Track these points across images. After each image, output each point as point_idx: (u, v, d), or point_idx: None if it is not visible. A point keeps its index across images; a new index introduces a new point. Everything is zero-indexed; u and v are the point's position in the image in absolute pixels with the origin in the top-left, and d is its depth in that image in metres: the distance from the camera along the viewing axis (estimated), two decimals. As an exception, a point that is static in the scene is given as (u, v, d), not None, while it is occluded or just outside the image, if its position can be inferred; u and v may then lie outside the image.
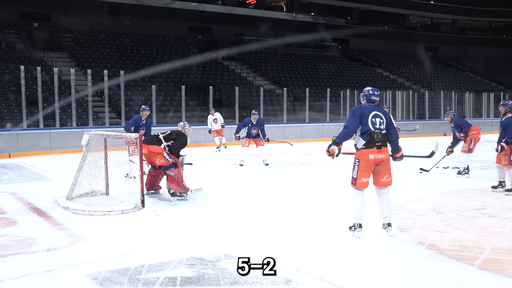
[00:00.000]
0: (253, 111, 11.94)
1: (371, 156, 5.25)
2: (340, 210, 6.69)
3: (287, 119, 21.75)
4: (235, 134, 11.94)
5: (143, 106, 10.48)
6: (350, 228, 5.45)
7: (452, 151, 10.43)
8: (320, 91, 25.76)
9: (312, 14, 35.35)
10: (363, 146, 5.28)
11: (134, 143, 7.46)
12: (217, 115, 16.72)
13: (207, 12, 29.77)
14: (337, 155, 5.40)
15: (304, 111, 22.62)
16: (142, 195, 7.03)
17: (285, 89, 22.38)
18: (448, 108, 27.32)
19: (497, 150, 8.07)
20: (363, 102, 5.60)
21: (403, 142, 9.44)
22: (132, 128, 9.98)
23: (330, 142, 5.39)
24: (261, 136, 11.81)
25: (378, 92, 5.64)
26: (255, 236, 5.60)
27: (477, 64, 40.98)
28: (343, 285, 4.02)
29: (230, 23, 30.72)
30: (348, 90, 24.26)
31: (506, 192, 8.05)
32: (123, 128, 11.19)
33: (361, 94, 5.70)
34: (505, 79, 39.11)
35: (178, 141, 7.80)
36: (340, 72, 32.60)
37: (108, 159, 7.92)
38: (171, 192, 7.69)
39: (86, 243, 5.32)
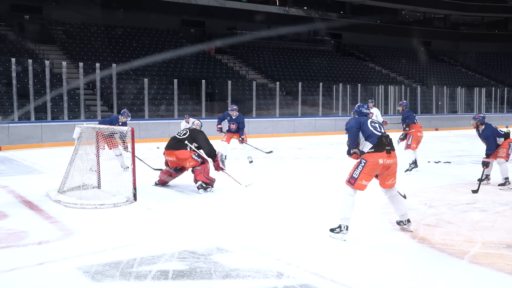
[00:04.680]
0: (232, 106, 11.44)
1: (381, 161, 5.09)
2: (332, 204, 6.69)
3: (279, 113, 21.75)
4: (217, 125, 11.30)
5: (126, 112, 10.39)
6: (334, 230, 5.14)
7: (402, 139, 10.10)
8: (312, 85, 25.77)
9: (305, 8, 35.29)
10: (371, 150, 5.13)
11: (105, 138, 7.72)
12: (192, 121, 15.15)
13: (200, 5, 29.65)
14: (361, 155, 5.31)
15: (296, 105, 22.62)
16: (134, 188, 7.01)
17: (277, 83, 22.37)
18: (440, 103, 27.46)
19: (485, 168, 8.08)
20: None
21: (395, 136, 9.49)
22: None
23: (347, 148, 5.39)
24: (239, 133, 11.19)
25: (368, 106, 5.68)
26: (248, 230, 5.60)
27: (469, 59, 41.15)
28: (335, 279, 4.04)
29: (223, 17, 30.63)
30: (340, 84, 24.27)
31: (499, 187, 8.09)
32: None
33: (352, 111, 5.74)
34: (496, 74, 39.30)
35: (203, 142, 8.04)
36: (332, 66, 32.62)
37: (100, 152, 7.94)
38: (197, 184, 7.82)
39: (78, 237, 5.30)
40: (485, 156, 8.10)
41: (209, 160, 8.14)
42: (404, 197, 5.80)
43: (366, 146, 5.22)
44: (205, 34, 31.23)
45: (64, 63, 17.40)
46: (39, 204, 6.88)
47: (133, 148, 7.16)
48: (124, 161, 9.70)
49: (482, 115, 8.52)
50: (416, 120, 10.11)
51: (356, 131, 5.28)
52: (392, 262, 4.52)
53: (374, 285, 3.94)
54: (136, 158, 7.36)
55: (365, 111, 5.57)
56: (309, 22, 33.59)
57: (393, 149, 5.23)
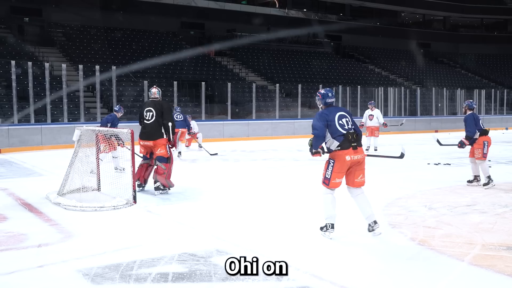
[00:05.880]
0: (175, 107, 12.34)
1: (348, 158, 5.12)
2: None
3: (279, 115, 21.76)
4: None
5: (121, 107, 10.68)
6: (322, 228, 5.28)
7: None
8: (312, 87, 25.79)
9: (305, 10, 35.35)
10: (338, 148, 5.13)
11: (106, 139, 7.70)
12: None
13: (200, 7, 29.69)
14: (323, 153, 5.37)
15: (296, 107, 22.63)
16: (134, 191, 7.01)
17: (277, 85, 22.38)
18: (439, 105, 27.48)
19: (458, 146, 8.33)
20: (321, 107, 5.39)
21: (394, 138, 9.60)
22: (109, 125, 10.07)
23: (309, 147, 5.32)
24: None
25: (333, 93, 5.44)
26: (247, 232, 5.60)
27: (469, 61, 41.19)
28: (335, 280, 4.03)
29: (223, 19, 30.65)
30: (340, 86, 24.29)
31: (484, 187, 8.14)
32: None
33: (316, 98, 5.47)
34: (496, 76, 39.34)
35: (169, 117, 7.83)
36: (332, 68, 32.64)
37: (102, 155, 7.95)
38: (155, 185, 7.73)
39: (78, 239, 5.30)
40: (464, 137, 8.26)
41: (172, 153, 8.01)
42: (402, 155, 5.89)
43: (333, 144, 5.19)
44: (204, 36, 31.25)
45: (63, 66, 17.41)
46: (38, 206, 6.88)
47: (132, 151, 7.17)
48: (119, 163, 9.70)
49: (472, 101, 8.78)
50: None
51: (323, 137, 5.21)
52: (391, 264, 4.52)
53: (373, 287, 3.94)
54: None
55: (330, 100, 5.34)
56: (308, 24, 33.62)
57: (360, 145, 5.23)
